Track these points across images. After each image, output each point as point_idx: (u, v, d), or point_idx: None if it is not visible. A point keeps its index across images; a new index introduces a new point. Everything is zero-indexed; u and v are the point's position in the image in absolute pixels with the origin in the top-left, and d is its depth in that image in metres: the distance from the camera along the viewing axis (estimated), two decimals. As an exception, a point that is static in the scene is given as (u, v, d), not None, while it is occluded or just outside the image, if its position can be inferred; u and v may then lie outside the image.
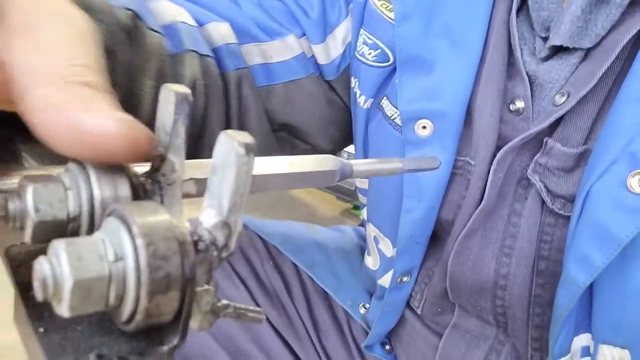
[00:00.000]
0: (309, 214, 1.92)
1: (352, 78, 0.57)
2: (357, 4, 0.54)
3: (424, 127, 0.49)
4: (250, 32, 0.54)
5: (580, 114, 0.44)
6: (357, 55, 0.55)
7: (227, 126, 0.53)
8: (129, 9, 0.40)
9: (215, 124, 0.51)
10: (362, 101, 0.55)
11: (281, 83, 0.56)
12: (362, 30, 0.54)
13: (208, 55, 0.49)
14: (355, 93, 0.56)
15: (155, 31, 0.42)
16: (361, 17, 0.54)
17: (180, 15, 0.49)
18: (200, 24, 0.51)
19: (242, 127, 0.54)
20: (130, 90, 0.39)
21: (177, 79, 0.45)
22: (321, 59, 0.57)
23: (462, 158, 0.49)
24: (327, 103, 0.59)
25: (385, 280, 0.59)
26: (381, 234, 0.58)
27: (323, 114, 0.59)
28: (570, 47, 0.43)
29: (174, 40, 0.46)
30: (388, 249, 0.58)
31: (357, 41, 0.55)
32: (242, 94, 0.53)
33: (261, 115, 0.55)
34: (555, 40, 0.43)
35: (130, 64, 0.39)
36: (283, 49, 0.55)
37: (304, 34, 0.56)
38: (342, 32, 0.56)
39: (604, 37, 0.42)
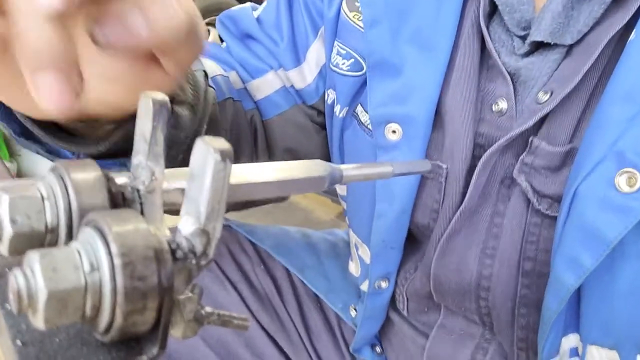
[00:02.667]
0: (304, 218, 1.92)
1: (326, 91, 0.58)
2: (328, 20, 0.55)
3: (394, 132, 0.50)
4: (239, 76, 0.59)
5: (565, 112, 0.43)
6: (331, 66, 0.56)
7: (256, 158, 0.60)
8: (202, 70, 0.46)
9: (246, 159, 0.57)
10: (338, 110, 0.56)
11: (271, 117, 0.59)
12: (336, 42, 0.55)
13: (239, 100, 0.56)
14: (331, 104, 0.57)
15: (211, 86, 0.48)
16: (334, 30, 0.55)
17: (217, 69, 0.56)
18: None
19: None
20: (196, 133, 0.44)
21: (222, 123, 0.51)
22: (297, 84, 0.59)
23: (432, 162, 0.49)
24: (315, 130, 0.61)
25: (365, 286, 0.59)
26: (359, 240, 0.59)
27: (314, 139, 0.62)
28: (551, 43, 0.43)
29: (218, 91, 0.52)
30: (366, 255, 0.58)
31: (331, 54, 0.56)
32: (257, 130, 0.59)
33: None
34: (536, 36, 0.43)
35: (202, 114, 0.45)
36: (263, 86, 0.59)
37: (280, 65, 0.59)
38: (313, 54, 0.58)
39: (586, 34, 0.42)
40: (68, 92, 0.23)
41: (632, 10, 0.40)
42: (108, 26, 0.24)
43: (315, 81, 0.58)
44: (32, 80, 0.23)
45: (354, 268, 0.63)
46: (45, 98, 0.22)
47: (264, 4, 0.61)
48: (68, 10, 0.22)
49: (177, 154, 0.43)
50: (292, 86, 0.59)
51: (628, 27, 0.40)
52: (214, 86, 0.49)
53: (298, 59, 0.58)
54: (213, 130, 0.48)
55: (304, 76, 0.58)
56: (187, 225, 0.19)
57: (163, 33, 0.25)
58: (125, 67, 0.29)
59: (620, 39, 0.41)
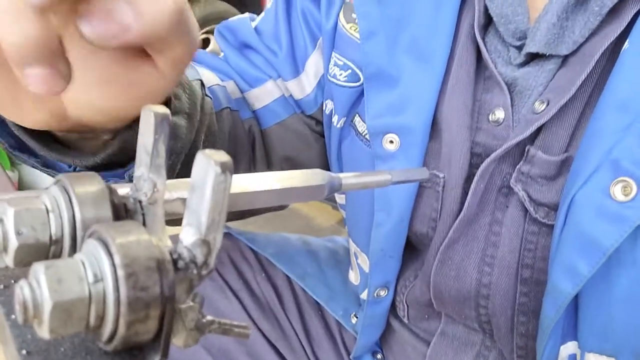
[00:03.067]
0: (305, 225, 1.92)
1: (324, 101, 0.58)
2: (326, 32, 0.56)
3: (391, 142, 0.50)
4: (237, 85, 0.59)
5: (560, 121, 0.44)
6: (329, 77, 0.56)
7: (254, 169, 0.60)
8: (199, 79, 0.47)
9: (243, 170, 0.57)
10: (336, 120, 0.56)
11: (270, 126, 0.60)
12: (333, 53, 0.56)
13: (237, 110, 0.56)
14: (330, 114, 0.57)
15: (208, 96, 0.48)
16: (332, 41, 0.56)
17: (214, 78, 0.56)
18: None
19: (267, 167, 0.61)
20: (193, 143, 0.45)
21: (219, 133, 0.52)
22: (296, 94, 0.59)
23: (430, 171, 0.50)
24: (314, 139, 0.62)
25: (365, 295, 0.60)
26: (358, 249, 0.59)
27: (313, 147, 0.62)
28: (547, 54, 0.44)
29: (215, 101, 0.52)
30: (365, 264, 0.58)
31: (329, 64, 0.56)
32: (255, 139, 0.59)
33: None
34: (531, 47, 0.43)
35: (199, 124, 0.45)
36: (262, 95, 0.59)
37: (279, 75, 0.59)
38: (311, 65, 0.58)
39: (582, 44, 0.43)
40: (56, 81, 0.25)
41: (626, 19, 0.40)
42: (96, 20, 0.24)
43: (314, 92, 0.58)
44: (20, 75, 0.24)
45: (353, 277, 0.64)
46: (36, 88, 0.24)
47: (262, 14, 0.62)
48: (50, 4, 0.23)
49: (175, 164, 0.43)
50: (290, 96, 0.59)
51: (622, 37, 0.41)
52: (210, 96, 0.49)
53: (297, 70, 0.58)
54: (211, 140, 0.48)
55: (303, 87, 0.59)
56: (188, 235, 0.20)
57: (153, 25, 0.25)
58: (117, 67, 0.29)
59: (614, 48, 0.41)
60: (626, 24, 0.41)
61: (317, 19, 0.57)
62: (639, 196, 0.38)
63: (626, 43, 0.40)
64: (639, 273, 0.39)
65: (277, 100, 0.59)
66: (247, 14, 0.63)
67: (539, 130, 0.44)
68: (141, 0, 0.25)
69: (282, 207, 0.67)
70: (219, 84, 0.55)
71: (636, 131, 0.38)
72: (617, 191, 0.39)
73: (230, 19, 0.62)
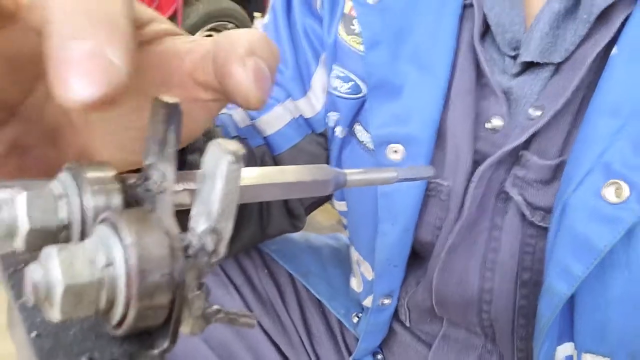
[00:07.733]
0: (306, 223, 1.92)
1: (327, 113, 0.57)
2: (328, 45, 0.55)
3: (396, 152, 0.50)
4: (246, 113, 0.58)
5: (554, 126, 0.44)
6: (330, 89, 0.55)
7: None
8: None
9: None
10: (339, 131, 0.56)
11: (284, 151, 0.58)
12: (334, 65, 0.55)
13: (245, 138, 0.55)
14: (333, 126, 0.57)
15: (218, 126, 0.48)
16: (334, 54, 0.55)
17: None
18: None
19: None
20: None
21: None
22: (307, 113, 0.58)
23: (434, 180, 0.50)
24: (327, 158, 0.61)
25: (368, 302, 0.60)
26: (361, 258, 0.59)
27: None
28: (541, 62, 0.44)
29: (225, 131, 0.52)
30: (369, 273, 0.58)
31: (330, 75, 0.56)
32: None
33: None
34: (526, 56, 0.44)
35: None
36: (273, 121, 0.58)
37: (288, 95, 0.58)
38: (317, 82, 0.57)
39: (573, 51, 0.43)
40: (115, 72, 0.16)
41: (616, 25, 0.41)
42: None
43: (324, 108, 0.58)
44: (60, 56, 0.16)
45: (355, 284, 0.64)
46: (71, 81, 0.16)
47: (260, 29, 0.61)
48: None
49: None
50: (300, 116, 0.58)
51: (611, 43, 0.42)
52: (220, 125, 0.49)
53: (304, 88, 0.58)
54: None
55: (312, 105, 0.58)
56: (198, 224, 0.20)
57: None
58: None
59: (605, 53, 0.42)
60: (615, 30, 0.41)
61: (318, 34, 0.57)
62: (632, 198, 0.38)
63: (614, 49, 0.41)
64: (633, 274, 0.40)
65: (289, 124, 0.58)
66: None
67: (533, 135, 0.45)
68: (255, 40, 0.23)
69: (296, 229, 0.66)
70: (225, 112, 0.54)
71: (627, 135, 0.39)
72: (608, 193, 0.39)
73: None
